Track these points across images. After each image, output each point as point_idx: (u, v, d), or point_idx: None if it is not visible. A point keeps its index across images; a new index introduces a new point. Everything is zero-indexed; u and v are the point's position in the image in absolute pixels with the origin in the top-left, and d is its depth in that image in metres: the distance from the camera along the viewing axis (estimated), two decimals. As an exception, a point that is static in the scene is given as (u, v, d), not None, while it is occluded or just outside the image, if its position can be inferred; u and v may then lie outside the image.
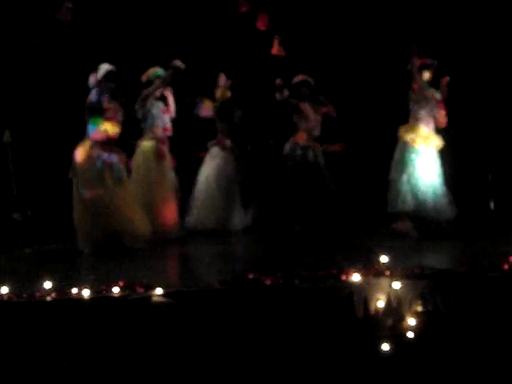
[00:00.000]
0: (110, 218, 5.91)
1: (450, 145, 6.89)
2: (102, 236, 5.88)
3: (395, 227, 6.32)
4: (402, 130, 6.44)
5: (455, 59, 7.24)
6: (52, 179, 7.15)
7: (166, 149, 6.65)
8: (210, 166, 7.06)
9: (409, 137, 6.37)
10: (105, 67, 6.00)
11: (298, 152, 7.05)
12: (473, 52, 7.57)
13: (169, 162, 6.68)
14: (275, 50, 7.95)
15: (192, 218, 6.95)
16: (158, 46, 7.66)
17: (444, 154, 6.44)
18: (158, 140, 6.57)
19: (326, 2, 8.08)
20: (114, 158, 6.02)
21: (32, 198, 7.44)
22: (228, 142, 7.11)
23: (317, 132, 7.10)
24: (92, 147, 5.95)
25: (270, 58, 7.94)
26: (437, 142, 6.39)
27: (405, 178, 6.31)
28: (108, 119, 5.97)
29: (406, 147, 6.38)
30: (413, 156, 6.32)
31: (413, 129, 6.37)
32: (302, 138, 7.07)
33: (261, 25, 8.14)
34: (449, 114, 6.52)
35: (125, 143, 6.31)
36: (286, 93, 7.09)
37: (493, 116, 7.58)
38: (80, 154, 5.95)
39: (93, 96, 5.96)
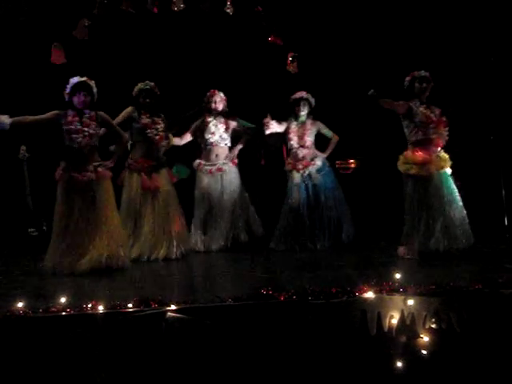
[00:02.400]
0: (80, 240, 5.74)
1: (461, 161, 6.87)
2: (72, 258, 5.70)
3: (401, 252, 6.06)
4: (399, 161, 6.14)
5: (460, 71, 7.26)
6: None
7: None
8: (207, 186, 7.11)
9: (404, 167, 6.07)
10: (74, 81, 5.91)
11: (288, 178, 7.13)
12: (479, 63, 7.56)
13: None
14: (289, 66, 8.02)
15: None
16: (174, 61, 7.73)
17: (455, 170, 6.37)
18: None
19: (341, 18, 8.16)
20: (89, 176, 5.84)
21: (48, 213, 7.48)
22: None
23: (302, 153, 7.10)
24: (65, 166, 5.89)
25: (284, 74, 8.02)
26: (438, 165, 6.05)
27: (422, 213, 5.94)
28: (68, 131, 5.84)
29: (405, 179, 6.09)
30: (416, 186, 5.98)
31: (407, 158, 6.07)
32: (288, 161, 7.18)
33: (274, 41, 8.23)
34: (456, 129, 6.48)
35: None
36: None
37: (504, 130, 7.56)
38: (57, 173, 5.91)
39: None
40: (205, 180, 7.08)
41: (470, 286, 4.39)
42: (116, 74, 7.48)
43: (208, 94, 7.16)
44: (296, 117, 7.17)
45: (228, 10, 8.20)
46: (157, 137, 6.60)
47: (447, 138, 6.15)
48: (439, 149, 6.12)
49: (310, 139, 7.16)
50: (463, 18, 7.83)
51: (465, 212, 6.06)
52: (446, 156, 6.15)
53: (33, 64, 7.88)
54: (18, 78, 7.81)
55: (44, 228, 7.32)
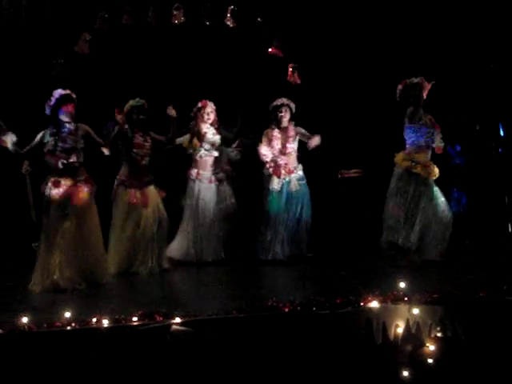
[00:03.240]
0: (59, 255, 5.66)
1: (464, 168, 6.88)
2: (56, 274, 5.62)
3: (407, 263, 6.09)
4: (399, 157, 6.24)
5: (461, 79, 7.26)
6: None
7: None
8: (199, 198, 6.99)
9: (407, 164, 6.15)
10: (59, 93, 5.80)
11: (267, 182, 6.98)
12: (480, 70, 7.58)
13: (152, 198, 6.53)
14: (290, 76, 8.06)
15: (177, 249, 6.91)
16: (174, 76, 7.74)
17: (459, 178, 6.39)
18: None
19: (342, 29, 8.21)
20: (59, 192, 5.74)
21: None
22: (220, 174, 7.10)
23: (285, 160, 6.94)
24: (48, 179, 5.82)
25: (285, 85, 8.05)
26: (435, 171, 6.19)
27: (412, 210, 6.05)
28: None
29: (404, 175, 6.17)
30: (413, 185, 6.10)
31: (412, 156, 6.17)
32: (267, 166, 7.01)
33: (275, 52, 8.28)
34: (461, 137, 6.49)
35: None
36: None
37: (506, 137, 7.57)
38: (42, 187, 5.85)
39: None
40: (202, 189, 7.02)
41: (475, 293, 4.39)
42: (114, 87, 7.49)
43: (199, 104, 7.11)
44: (278, 123, 7.05)
45: (228, 23, 8.26)
46: (143, 158, 6.48)
47: (442, 144, 6.21)
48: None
49: (291, 146, 6.98)
50: (463, 26, 7.87)
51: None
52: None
53: (34, 77, 7.92)
54: (18, 91, 7.84)
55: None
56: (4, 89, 7.82)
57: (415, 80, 6.21)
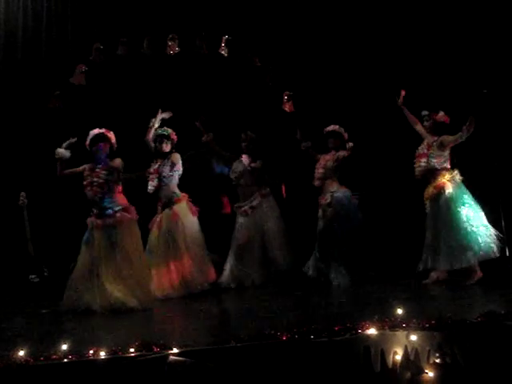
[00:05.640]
0: (93, 285, 5.91)
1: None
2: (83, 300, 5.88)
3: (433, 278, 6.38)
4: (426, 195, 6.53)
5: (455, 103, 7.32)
6: (68, 239, 7.20)
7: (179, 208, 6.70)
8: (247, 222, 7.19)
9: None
10: (92, 132, 6.17)
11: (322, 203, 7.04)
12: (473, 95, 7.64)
13: (185, 218, 6.71)
14: (285, 105, 8.11)
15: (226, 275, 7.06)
16: (169, 106, 7.78)
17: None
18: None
19: (338, 56, 8.28)
20: (108, 221, 6.04)
21: (49, 258, 7.49)
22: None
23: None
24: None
25: (280, 114, 8.10)
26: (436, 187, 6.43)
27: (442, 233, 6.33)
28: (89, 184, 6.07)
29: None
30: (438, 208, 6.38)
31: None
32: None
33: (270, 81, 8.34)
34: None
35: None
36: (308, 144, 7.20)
37: (504, 160, 7.59)
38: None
39: None
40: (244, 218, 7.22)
41: (473, 318, 4.37)
42: (110, 117, 7.53)
43: (244, 135, 7.29)
44: (328, 149, 7.17)
45: (222, 52, 8.33)
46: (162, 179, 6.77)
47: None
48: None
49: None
50: (456, 51, 7.94)
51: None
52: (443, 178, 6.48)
53: (30, 110, 7.97)
54: (14, 123, 7.89)
55: (45, 274, 7.31)
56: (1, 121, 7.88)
57: (423, 112, 6.52)
